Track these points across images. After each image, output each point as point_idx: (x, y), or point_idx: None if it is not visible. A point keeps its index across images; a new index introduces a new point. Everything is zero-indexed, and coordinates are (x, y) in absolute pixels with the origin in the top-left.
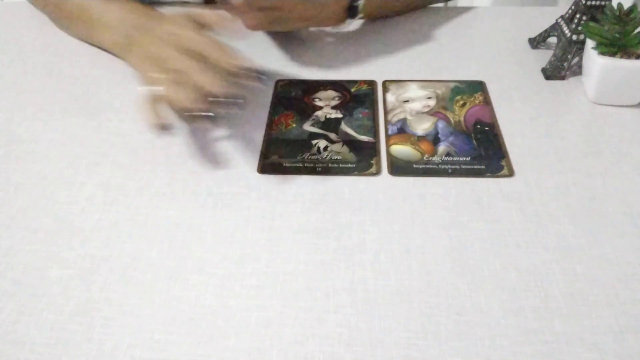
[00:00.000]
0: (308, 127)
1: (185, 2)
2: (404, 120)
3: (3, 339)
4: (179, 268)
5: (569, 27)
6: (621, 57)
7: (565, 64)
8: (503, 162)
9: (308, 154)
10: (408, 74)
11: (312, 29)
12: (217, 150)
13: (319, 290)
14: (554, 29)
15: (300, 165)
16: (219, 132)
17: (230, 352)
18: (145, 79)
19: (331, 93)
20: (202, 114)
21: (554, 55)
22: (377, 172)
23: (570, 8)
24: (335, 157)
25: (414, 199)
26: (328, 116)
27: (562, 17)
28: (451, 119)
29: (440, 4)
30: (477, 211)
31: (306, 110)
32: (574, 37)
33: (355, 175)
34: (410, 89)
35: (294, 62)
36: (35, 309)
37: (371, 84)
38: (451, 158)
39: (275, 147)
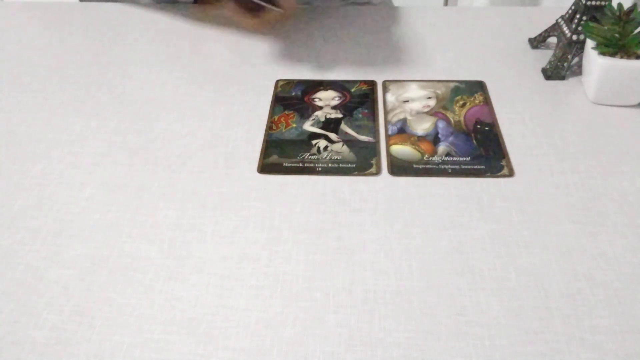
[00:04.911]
0: (308, 127)
1: (175, 1)
2: (404, 120)
3: (3, 339)
4: (179, 268)
5: (569, 27)
6: (621, 57)
7: (565, 64)
8: (503, 162)
9: (308, 154)
10: (408, 74)
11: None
12: (217, 149)
13: (319, 290)
14: (554, 29)
15: (300, 165)
16: (219, 130)
17: (230, 352)
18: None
19: (331, 93)
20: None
21: (554, 55)
22: (377, 172)
23: (570, 8)
24: (335, 157)
25: (414, 199)
26: (328, 116)
27: (562, 17)
28: (451, 119)
29: None
30: (477, 211)
31: (306, 110)
32: (574, 37)
33: (355, 175)
34: (410, 89)
35: (294, 62)
36: (35, 309)
37: (371, 84)
38: (451, 158)
39: (275, 147)
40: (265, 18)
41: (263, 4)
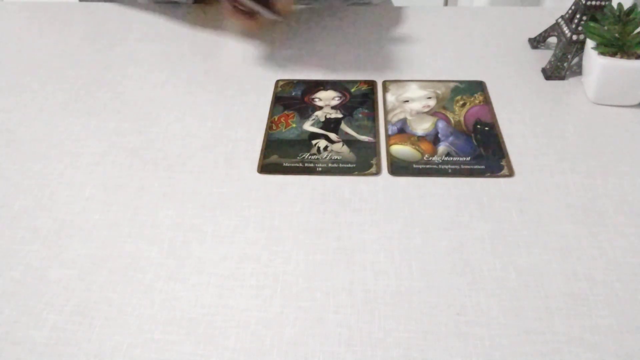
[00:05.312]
0: (308, 127)
1: (175, 2)
2: (404, 120)
3: (3, 339)
4: (179, 268)
5: (569, 27)
6: (621, 57)
7: (565, 64)
8: (503, 162)
9: (308, 154)
10: (408, 74)
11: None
12: (217, 149)
13: (319, 290)
14: (554, 29)
15: (300, 165)
16: (219, 130)
17: (230, 352)
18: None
19: (331, 93)
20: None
21: (554, 55)
22: (377, 172)
23: (570, 8)
24: (335, 157)
25: (414, 199)
26: (328, 116)
27: (562, 17)
28: (451, 119)
29: None
30: (477, 211)
31: (306, 110)
32: (574, 37)
33: (355, 175)
34: (410, 89)
35: (294, 62)
36: (35, 309)
37: (371, 84)
38: (451, 158)
39: (275, 147)
40: (260, 20)
41: (259, 9)
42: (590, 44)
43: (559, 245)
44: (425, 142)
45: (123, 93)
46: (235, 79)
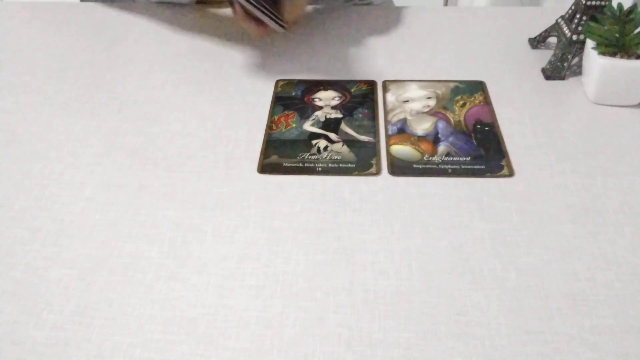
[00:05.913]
0: (308, 127)
1: (175, 3)
2: (404, 120)
3: (3, 339)
4: (179, 268)
5: (569, 27)
6: (621, 57)
7: (565, 64)
8: (503, 162)
9: (308, 154)
10: (408, 74)
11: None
12: (217, 149)
13: (319, 290)
14: (554, 29)
15: (300, 165)
16: (219, 130)
17: (230, 352)
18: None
19: (331, 93)
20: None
21: (554, 55)
22: (377, 172)
23: (570, 8)
24: (335, 157)
25: (414, 199)
26: (328, 116)
27: (562, 17)
28: (451, 119)
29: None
30: (477, 211)
31: (306, 110)
32: (574, 37)
33: (355, 175)
34: (410, 89)
35: (294, 62)
36: (35, 309)
37: (371, 84)
38: (451, 158)
39: (275, 147)
40: (269, 29)
41: (266, 20)
42: (590, 44)
43: (559, 245)
44: (425, 142)
45: (123, 93)
46: (235, 79)
